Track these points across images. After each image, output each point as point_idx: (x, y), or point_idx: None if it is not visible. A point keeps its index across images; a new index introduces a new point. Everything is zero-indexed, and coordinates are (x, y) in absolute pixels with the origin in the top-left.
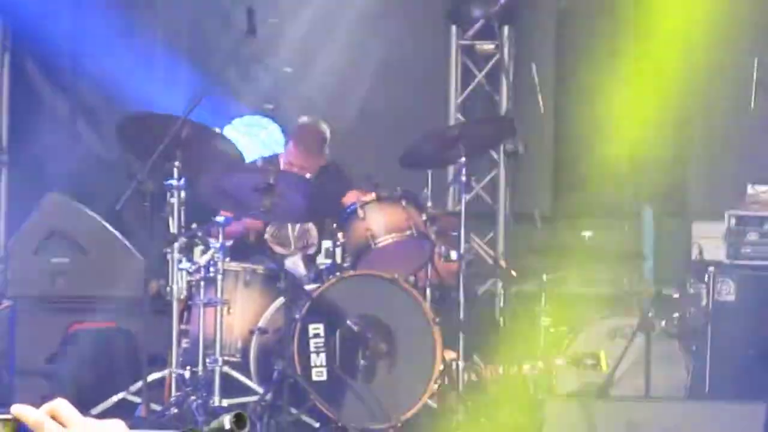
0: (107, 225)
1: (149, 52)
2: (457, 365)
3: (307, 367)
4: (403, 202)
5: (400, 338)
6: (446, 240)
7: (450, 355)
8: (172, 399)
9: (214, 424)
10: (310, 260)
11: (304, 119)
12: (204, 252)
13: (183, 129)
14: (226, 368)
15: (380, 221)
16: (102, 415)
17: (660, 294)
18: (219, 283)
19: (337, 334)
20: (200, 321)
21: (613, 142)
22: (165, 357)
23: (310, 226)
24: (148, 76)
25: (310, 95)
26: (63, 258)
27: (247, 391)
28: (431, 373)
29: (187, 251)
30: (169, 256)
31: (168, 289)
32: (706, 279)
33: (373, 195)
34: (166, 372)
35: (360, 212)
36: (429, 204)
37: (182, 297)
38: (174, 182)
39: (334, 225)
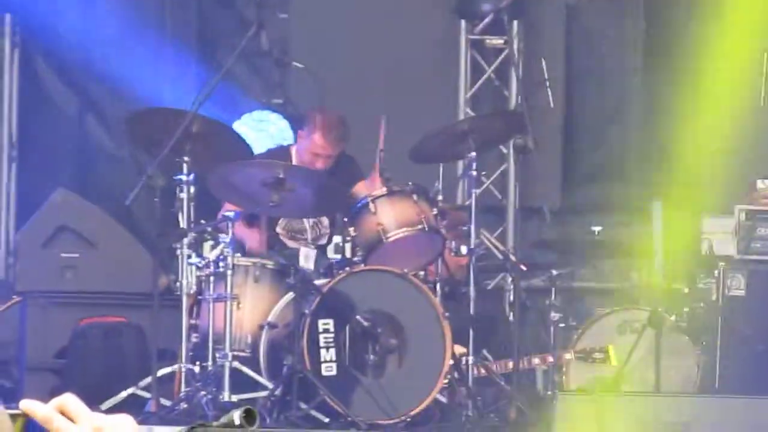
0: (116, 220)
1: (158, 48)
2: (467, 360)
3: (316, 362)
4: (414, 197)
5: (409, 333)
6: (456, 234)
7: (459, 350)
8: (182, 394)
9: (224, 419)
10: (321, 254)
11: (323, 109)
12: (213, 247)
13: (193, 124)
14: (235, 363)
15: (391, 215)
16: (111, 410)
17: (670, 289)
18: (229, 278)
19: (347, 329)
20: (210, 316)
21: (623, 137)
22: (174, 352)
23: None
24: (156, 72)
25: (319, 90)
26: (72, 253)
27: (257, 386)
28: (441, 368)
29: (197, 246)
30: (178, 251)
31: (177, 284)
32: (716, 274)
33: (384, 189)
34: (175, 367)
35: (371, 206)
36: (440, 198)
37: (192, 292)
38: (183, 177)
39: (345, 219)
